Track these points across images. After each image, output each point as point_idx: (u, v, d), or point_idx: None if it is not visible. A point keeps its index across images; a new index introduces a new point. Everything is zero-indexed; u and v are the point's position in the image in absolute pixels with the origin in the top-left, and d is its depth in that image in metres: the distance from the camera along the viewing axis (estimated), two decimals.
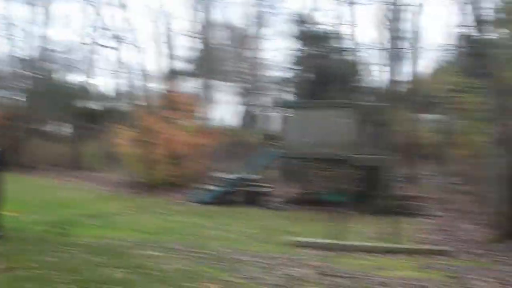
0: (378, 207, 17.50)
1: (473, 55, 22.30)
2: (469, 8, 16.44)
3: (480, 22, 16.67)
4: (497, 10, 16.47)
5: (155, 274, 7.98)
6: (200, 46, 32.89)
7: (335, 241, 11.68)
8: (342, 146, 18.54)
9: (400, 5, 28.15)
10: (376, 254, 10.96)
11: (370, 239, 12.82)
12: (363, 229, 14.06)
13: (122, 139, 25.28)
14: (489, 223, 14.32)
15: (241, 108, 39.51)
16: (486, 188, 16.48)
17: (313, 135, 18.82)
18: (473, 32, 22.67)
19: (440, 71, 34.10)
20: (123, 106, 41.20)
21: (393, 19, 27.68)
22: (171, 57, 27.00)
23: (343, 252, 11.02)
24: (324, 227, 13.68)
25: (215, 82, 36.00)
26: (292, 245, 11.62)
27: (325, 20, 41.06)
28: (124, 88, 36.86)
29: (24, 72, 36.37)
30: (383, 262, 10.26)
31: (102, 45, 35.76)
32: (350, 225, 13.31)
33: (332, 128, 18.85)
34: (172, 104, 25.67)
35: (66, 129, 39.32)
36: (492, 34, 16.54)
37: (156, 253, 9.70)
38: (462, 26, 25.10)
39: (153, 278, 7.73)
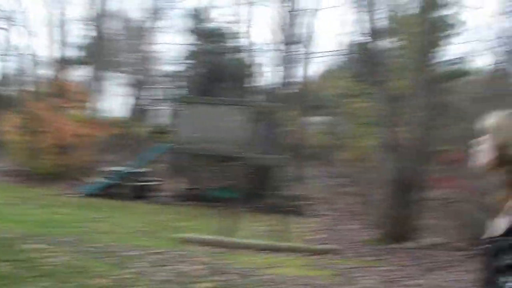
0: (267, 206, 17.71)
1: (364, 61, 23.04)
2: (363, 16, 16.90)
3: (373, 31, 17.18)
4: (389, 20, 17.13)
5: (43, 268, 7.67)
6: (93, 35, 32.01)
7: (225, 238, 11.70)
8: (234, 143, 18.61)
9: (295, 10, 28.65)
10: (266, 252, 11.07)
11: (260, 237, 12.95)
12: (253, 227, 14.21)
13: (9, 126, 24.24)
14: (374, 224, 14.86)
15: (132, 101, 38.85)
16: (371, 190, 17.12)
17: (205, 131, 18.74)
18: (366, 40, 23.47)
19: (331, 75, 35.03)
20: (11, 91, 39.44)
21: (288, 22, 28.13)
22: (63, 44, 26.10)
23: (233, 249, 11.06)
24: (214, 224, 13.69)
25: (107, 73, 35.20)
26: (182, 241, 11.52)
27: (221, 18, 41.15)
28: (12, 72, 35.30)
29: None
30: (273, 260, 10.37)
31: None
32: (240, 222, 13.39)
33: (225, 125, 18.88)
34: (61, 92, 24.87)
35: None
36: (384, 43, 17.16)
37: (44, 246, 9.32)
38: (356, 33, 25.85)
39: (41, 273, 7.41)
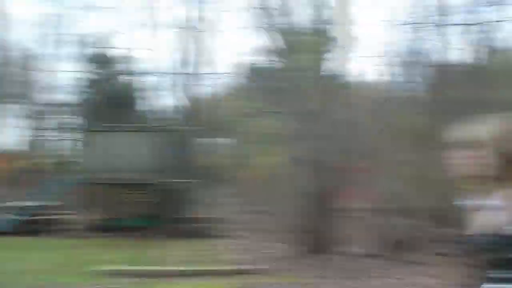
0: (178, 231, 17.50)
1: (265, 80, 23.31)
2: (261, 36, 17.17)
3: (270, 50, 17.47)
4: (286, 40, 17.42)
5: None
6: None
7: (148, 267, 11.43)
8: (141, 170, 18.29)
9: (194, 31, 28.65)
10: (190, 277, 10.89)
11: (180, 262, 12.75)
12: (171, 253, 13.95)
13: None
14: (292, 241, 14.97)
15: (29, 132, 37.50)
16: (286, 207, 17.27)
17: (110, 159, 18.32)
18: (265, 59, 23.80)
19: (231, 96, 35.22)
20: None
21: (186, 44, 28.06)
22: None
23: (158, 277, 10.81)
24: (130, 253, 13.37)
25: (0, 104, 33.86)
26: (102, 274, 11.14)
27: (117, 43, 40.69)
28: None
29: None
30: (200, 285, 10.23)
31: None
32: (158, 249, 13.15)
33: (130, 152, 18.54)
34: None
35: None
36: (282, 62, 17.48)
37: None
38: (254, 52, 26.17)
39: None
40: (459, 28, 17.10)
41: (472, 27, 16.64)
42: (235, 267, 12.14)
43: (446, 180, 13.70)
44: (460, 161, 2.79)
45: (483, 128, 2.74)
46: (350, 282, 10.62)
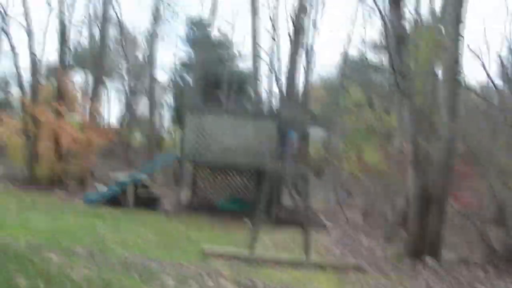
0: (276, 218, 17.29)
1: (374, 74, 22.71)
2: (373, 26, 16.54)
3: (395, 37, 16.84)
4: (401, 32, 16.72)
5: (63, 283, 7.10)
6: (93, 41, 31.52)
7: (246, 252, 11.18)
8: (244, 154, 18.12)
9: (301, 18, 28.22)
10: (288, 267, 10.58)
11: (278, 250, 12.51)
12: (265, 239, 13.69)
13: (8, 129, 23.74)
14: (391, 239, 14.46)
15: (130, 108, 38.39)
16: (388, 205, 16.74)
17: (214, 141, 18.25)
18: (375, 51, 23.09)
19: (335, 86, 34.71)
20: (10, 94, 39.00)
21: (293, 31, 27.66)
22: (64, 48, 25.55)
23: (254, 263, 10.55)
24: (226, 235, 13.22)
25: (106, 80, 34.74)
26: (200, 253, 11.00)
27: (223, 27, 40.94)
28: (10, 75, 34.79)
29: None
30: (299, 276, 9.89)
31: None
32: (258, 235, 12.86)
33: (233, 135, 18.39)
34: (61, 97, 24.38)
35: None
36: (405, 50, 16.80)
37: (58, 257, 8.76)
38: (365, 44, 25.57)
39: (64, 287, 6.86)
40: None
41: None
42: (336, 261, 11.77)
43: None
44: None
45: None
46: None
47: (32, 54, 25.11)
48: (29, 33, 25.18)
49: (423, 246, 12.54)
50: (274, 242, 13.68)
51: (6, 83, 39.63)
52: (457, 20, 12.87)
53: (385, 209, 17.01)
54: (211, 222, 16.70)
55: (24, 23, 25.13)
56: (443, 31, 16.04)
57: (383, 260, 12.33)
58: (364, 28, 47.36)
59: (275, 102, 33.01)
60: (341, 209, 19.63)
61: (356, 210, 20.20)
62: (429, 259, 12.24)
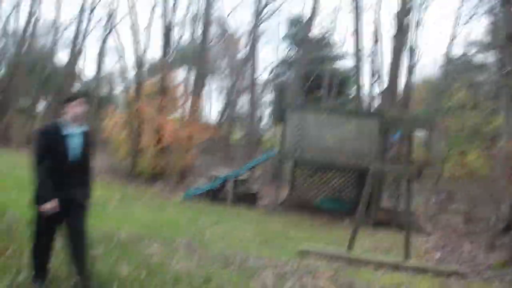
0: (373, 219, 16.98)
1: (475, 74, 21.86)
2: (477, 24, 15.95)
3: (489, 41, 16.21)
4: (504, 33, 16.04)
5: (165, 274, 7.23)
6: (195, 38, 32.13)
7: (345, 252, 11.03)
8: (345, 153, 17.90)
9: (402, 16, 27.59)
10: (386, 269, 10.34)
11: (376, 252, 12.27)
12: (364, 240, 13.46)
13: (111, 123, 24.55)
14: (494, 247, 13.89)
15: (229, 106, 38.90)
16: (491, 210, 16.10)
17: (314, 139, 18.13)
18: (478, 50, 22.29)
19: (436, 87, 33.80)
20: (114, 89, 40.46)
21: (402, 27, 27.07)
22: (166, 45, 26.20)
23: (353, 264, 10.39)
24: (326, 235, 13.10)
25: (207, 77, 35.30)
26: (299, 251, 10.94)
27: (322, 25, 40.74)
28: (115, 71, 36.11)
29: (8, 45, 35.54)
30: (399, 279, 9.64)
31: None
32: (357, 236, 12.67)
33: (334, 134, 18.20)
34: (164, 93, 24.97)
35: (42, 108, 38.65)
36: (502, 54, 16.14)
37: (160, 249, 8.96)
38: (468, 42, 24.71)
39: (164, 279, 6.96)
40: None
41: None
42: (437, 267, 11.39)
43: None
44: None
45: None
46: None
47: (137, 51, 25.87)
48: (134, 31, 25.95)
49: None
50: (373, 243, 13.46)
51: (112, 79, 41.14)
52: None
53: (489, 214, 16.36)
54: (309, 220, 16.64)
55: (130, 21, 25.92)
56: None
57: (485, 267, 11.85)
58: (469, 26, 45.99)
59: (376, 102, 32.48)
60: (442, 213, 19.04)
61: (457, 215, 19.54)
62: None
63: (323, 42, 39.01)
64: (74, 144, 5.78)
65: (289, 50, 40.35)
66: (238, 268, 8.40)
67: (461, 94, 23.86)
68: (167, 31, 26.25)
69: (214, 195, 19.19)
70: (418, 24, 31.51)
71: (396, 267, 10.52)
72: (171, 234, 10.91)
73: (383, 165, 15.22)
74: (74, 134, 5.77)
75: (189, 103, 26.83)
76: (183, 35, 34.01)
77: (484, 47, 30.71)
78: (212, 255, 9.13)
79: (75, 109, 5.78)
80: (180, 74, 33.24)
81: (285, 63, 40.16)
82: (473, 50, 31.79)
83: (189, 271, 7.64)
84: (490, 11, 15.77)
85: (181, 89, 28.60)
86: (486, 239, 14.82)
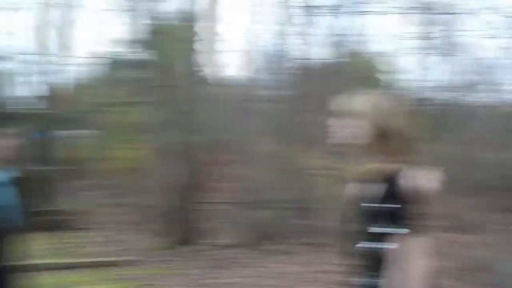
0: (39, 224, 16.75)
1: (129, 70, 22.87)
2: (125, 22, 16.89)
3: (137, 38, 17.26)
4: (153, 29, 17.25)
5: None
6: None
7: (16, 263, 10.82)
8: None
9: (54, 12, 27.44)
10: (59, 271, 10.48)
11: (44, 256, 12.27)
12: (32, 247, 13.30)
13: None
14: (157, 232, 14.89)
15: None
16: (152, 199, 17.15)
17: None
18: (129, 47, 23.27)
19: (93, 85, 34.27)
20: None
21: (46, 27, 26.81)
22: None
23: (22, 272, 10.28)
24: None
25: None
26: None
27: None
28: None
29: None
30: (74, 278, 9.90)
31: None
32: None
33: None
34: None
35: None
36: (148, 51, 17.32)
37: None
38: (118, 40, 25.55)
39: None
40: (323, 28, 17.73)
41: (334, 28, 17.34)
42: (102, 259, 11.89)
43: (308, 172, 14.34)
44: (339, 130, 3.10)
45: (362, 101, 3.00)
46: (220, 271, 10.78)
47: None
48: None
49: (187, 234, 13.22)
50: (39, 248, 13.35)
51: None
52: (210, 15, 13.63)
53: (150, 203, 17.38)
54: None
55: None
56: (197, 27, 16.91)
57: (151, 253, 12.74)
58: (114, 25, 47.22)
59: (36, 103, 31.62)
60: (110, 208, 19.53)
61: (125, 209, 20.27)
62: (197, 246, 12.94)
63: None
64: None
65: None
66: None
67: (120, 91, 24.59)
68: None
69: None
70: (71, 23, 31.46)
71: (67, 268, 10.73)
72: None
73: (32, 167, 15.15)
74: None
75: None
76: None
77: (129, 44, 32.00)
78: None
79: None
80: None
81: None
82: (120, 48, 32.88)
83: None
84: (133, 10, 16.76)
85: None
86: (152, 227, 15.80)
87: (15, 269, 3.79)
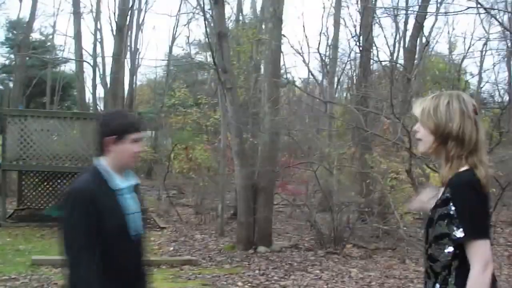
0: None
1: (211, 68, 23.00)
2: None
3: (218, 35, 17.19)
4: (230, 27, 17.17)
5: None
6: None
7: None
8: (72, 158, 17.49)
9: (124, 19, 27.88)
10: None
11: None
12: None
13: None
14: (224, 233, 14.85)
15: None
16: (214, 199, 17.15)
17: (38, 145, 17.41)
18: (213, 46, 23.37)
19: (156, 86, 34.78)
20: None
21: (122, 28, 27.25)
22: None
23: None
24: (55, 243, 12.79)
25: None
26: (31, 264, 10.62)
27: (42, 30, 39.59)
28: None
29: None
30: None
31: None
32: None
33: (66, 139, 17.66)
34: None
35: None
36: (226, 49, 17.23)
37: None
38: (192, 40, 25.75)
39: None
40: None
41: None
42: (170, 258, 11.88)
43: (373, 177, 14.03)
44: (414, 134, 3.21)
45: (422, 104, 2.99)
46: (287, 274, 10.58)
47: None
48: None
49: (254, 236, 13.05)
50: None
51: None
52: (276, 18, 13.48)
53: (216, 203, 17.40)
54: (40, 231, 16.02)
55: None
56: (264, 28, 16.80)
57: (216, 254, 12.65)
58: (188, 27, 47.99)
59: (102, 104, 32.44)
60: (174, 208, 19.64)
61: (189, 208, 20.39)
62: (261, 248, 12.76)
63: (44, 46, 37.91)
64: (131, 208, 3.55)
65: (8, 55, 38.54)
66: None
67: (182, 92, 24.83)
68: None
69: None
70: (139, 24, 32.19)
71: None
72: None
73: None
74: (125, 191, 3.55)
75: None
76: None
77: (202, 47, 32.39)
78: None
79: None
80: None
81: (5, 69, 38.29)
82: (193, 51, 33.37)
83: None
84: (204, 11, 16.73)
85: None
86: (215, 227, 15.77)
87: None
